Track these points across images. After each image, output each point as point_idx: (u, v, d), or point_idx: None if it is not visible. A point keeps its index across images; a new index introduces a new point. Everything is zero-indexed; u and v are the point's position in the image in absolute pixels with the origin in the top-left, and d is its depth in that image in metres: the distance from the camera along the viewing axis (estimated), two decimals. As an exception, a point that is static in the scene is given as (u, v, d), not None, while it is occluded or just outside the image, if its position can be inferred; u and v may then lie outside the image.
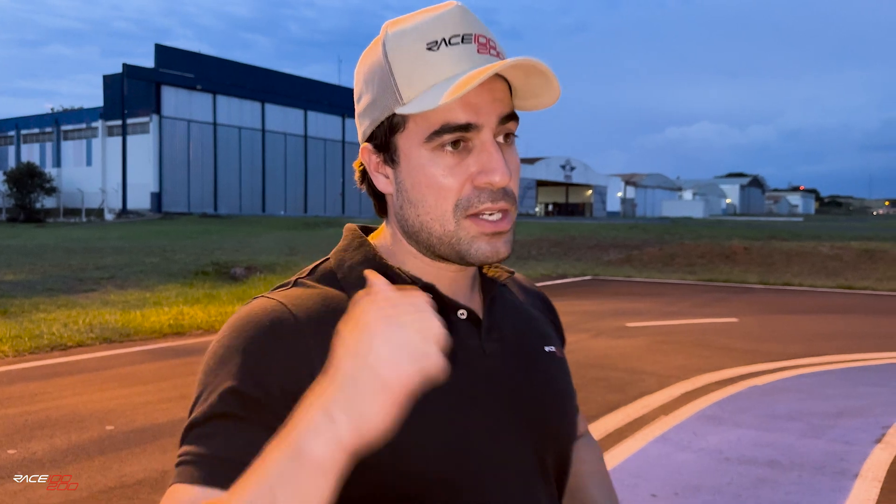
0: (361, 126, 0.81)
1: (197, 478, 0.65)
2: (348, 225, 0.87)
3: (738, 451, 4.34)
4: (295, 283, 0.80)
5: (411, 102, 0.74)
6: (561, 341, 0.96)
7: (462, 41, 0.74)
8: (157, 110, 34.48)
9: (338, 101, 42.39)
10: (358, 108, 0.81)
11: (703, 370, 6.42)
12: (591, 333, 8.39)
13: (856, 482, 3.88)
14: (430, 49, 0.74)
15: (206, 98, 36.32)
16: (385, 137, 0.77)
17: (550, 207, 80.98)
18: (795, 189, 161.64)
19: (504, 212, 0.76)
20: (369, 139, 0.80)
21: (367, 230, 0.88)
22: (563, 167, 74.48)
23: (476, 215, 0.75)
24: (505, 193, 0.76)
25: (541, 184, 75.80)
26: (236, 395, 0.68)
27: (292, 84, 41.03)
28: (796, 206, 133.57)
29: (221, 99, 36.99)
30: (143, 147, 35.08)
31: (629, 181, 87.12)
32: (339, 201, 42.80)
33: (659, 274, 16.42)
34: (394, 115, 0.76)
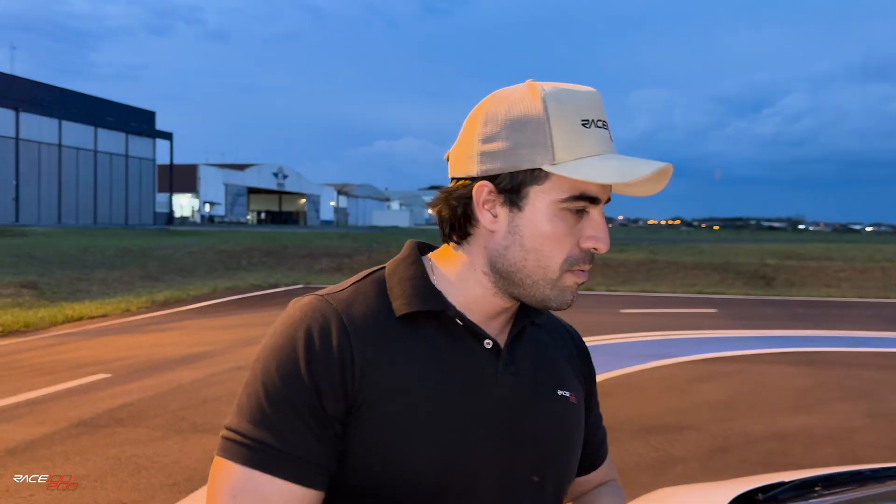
0: (483, 163, 0.84)
1: (277, 470, 0.76)
2: (410, 241, 0.92)
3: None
4: (351, 286, 0.86)
5: (563, 165, 0.80)
6: (585, 387, 1.00)
7: (603, 126, 0.83)
8: None
9: (10, 92, 36.85)
10: (485, 146, 0.84)
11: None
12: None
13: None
14: (584, 125, 0.81)
15: None
16: (517, 184, 0.82)
17: (263, 215, 79.44)
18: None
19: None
20: (491, 178, 0.83)
21: (428, 248, 0.94)
22: (276, 175, 73.62)
23: (573, 270, 0.84)
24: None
25: (252, 191, 74.01)
26: (284, 381, 0.77)
27: (-53, 69, 34.78)
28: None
29: None
30: None
31: (341, 191, 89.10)
32: (11, 207, 37.20)
33: (365, 281, 17.16)
34: (540, 169, 0.81)
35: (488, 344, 0.86)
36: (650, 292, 15.79)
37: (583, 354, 1.02)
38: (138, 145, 46.36)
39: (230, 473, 0.76)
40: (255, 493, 0.76)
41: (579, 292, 0.86)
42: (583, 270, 0.84)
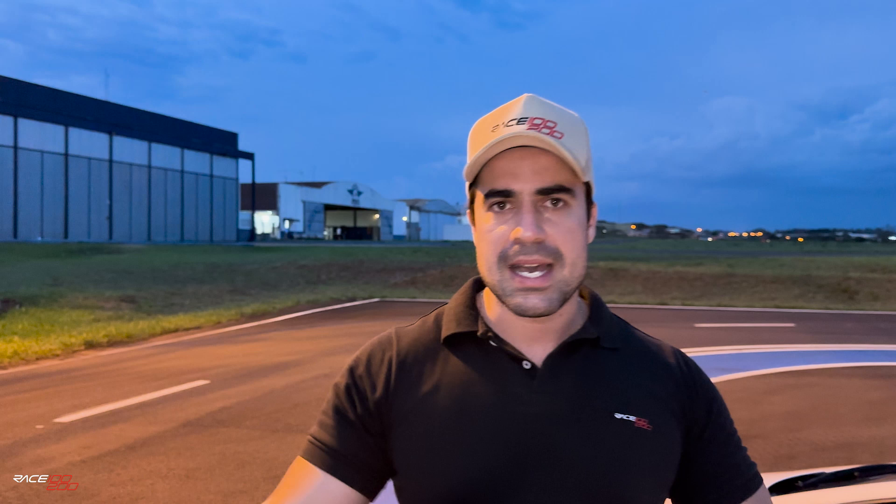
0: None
1: (320, 463, 0.89)
2: (473, 277, 1.00)
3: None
4: (422, 317, 0.98)
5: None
6: (685, 420, 0.92)
7: (517, 123, 0.83)
8: None
9: (105, 116, 39.32)
10: None
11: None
12: (376, 352, 9.01)
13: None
14: (492, 131, 0.85)
15: (-57, 110, 31.96)
16: (470, 201, 0.91)
17: (339, 231, 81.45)
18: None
19: (543, 266, 0.83)
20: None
21: None
22: (351, 192, 75.42)
23: (515, 268, 0.84)
24: (539, 248, 0.83)
25: (329, 208, 76.05)
26: (340, 395, 0.92)
27: (50, 97, 37.32)
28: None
29: (-37, 112, 32.76)
30: None
31: (414, 206, 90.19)
32: (105, 225, 39.56)
33: (440, 294, 17.58)
34: (470, 186, 0.90)
35: (527, 365, 0.88)
36: (727, 306, 15.58)
37: (690, 383, 0.94)
38: (222, 165, 48.54)
39: (295, 461, 0.93)
40: (298, 477, 0.90)
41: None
42: (527, 270, 0.83)
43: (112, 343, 9.81)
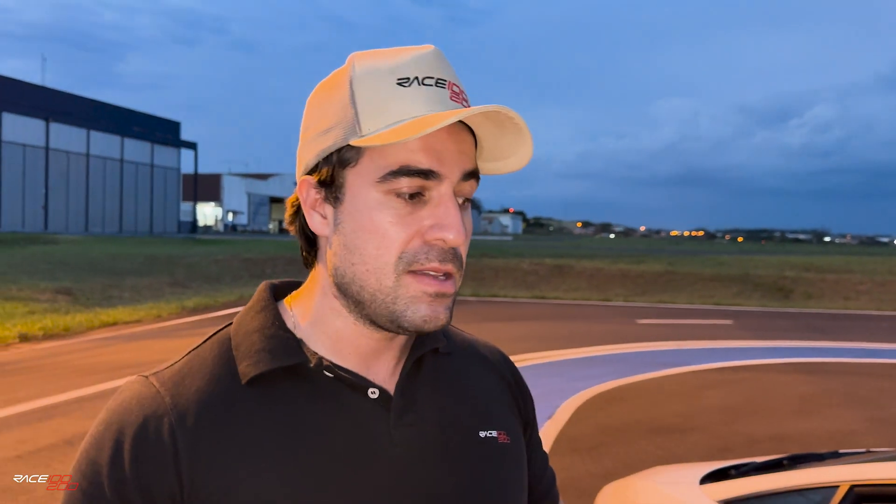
0: (304, 158, 0.70)
1: None
2: (264, 282, 0.76)
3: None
4: (187, 355, 0.71)
5: (370, 135, 0.64)
6: (523, 418, 0.82)
7: (436, 84, 0.66)
8: None
9: (41, 102, 37.84)
10: (303, 138, 0.70)
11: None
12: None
13: (530, 450, 4.93)
14: (400, 84, 0.65)
15: None
16: (332, 171, 0.67)
17: (284, 225, 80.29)
18: (506, 211, 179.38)
19: (449, 274, 0.66)
20: (311, 172, 0.69)
21: (291, 286, 0.77)
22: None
23: (419, 272, 0.65)
24: (455, 255, 0.66)
25: (274, 200, 75.02)
26: (93, 501, 0.66)
27: (-17, 81, 35.84)
28: (507, 225, 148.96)
29: None
30: None
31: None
32: (41, 215, 38.14)
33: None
34: (347, 146, 0.66)
35: (373, 393, 0.69)
36: (668, 303, 16.01)
37: (518, 381, 0.83)
38: (163, 155, 47.29)
39: None
40: None
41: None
42: (434, 274, 0.65)
43: (48, 336, 9.49)
